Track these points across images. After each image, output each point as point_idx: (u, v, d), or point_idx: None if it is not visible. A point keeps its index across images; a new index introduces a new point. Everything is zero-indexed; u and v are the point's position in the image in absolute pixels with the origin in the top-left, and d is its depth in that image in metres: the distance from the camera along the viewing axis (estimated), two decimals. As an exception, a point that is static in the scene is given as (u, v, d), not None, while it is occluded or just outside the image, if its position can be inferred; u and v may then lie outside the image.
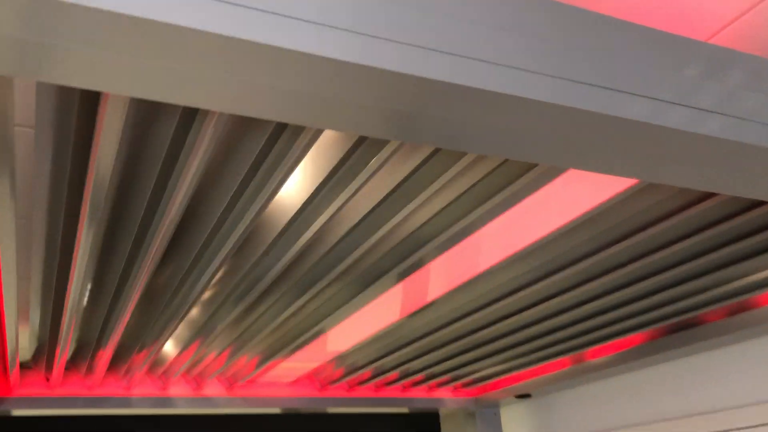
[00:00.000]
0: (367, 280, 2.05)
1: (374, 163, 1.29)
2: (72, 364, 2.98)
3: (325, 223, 1.55)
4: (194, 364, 2.97)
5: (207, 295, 2.30)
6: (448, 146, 1.10)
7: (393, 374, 3.35)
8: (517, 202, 1.54)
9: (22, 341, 2.76)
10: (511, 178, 1.41)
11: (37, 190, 1.58)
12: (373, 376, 3.33)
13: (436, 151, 1.34)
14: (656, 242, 1.86)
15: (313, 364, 3.17)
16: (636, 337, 2.83)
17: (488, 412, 3.89)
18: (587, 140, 1.14)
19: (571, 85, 1.06)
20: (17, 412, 3.02)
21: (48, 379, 2.97)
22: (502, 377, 3.50)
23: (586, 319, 2.48)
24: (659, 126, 1.14)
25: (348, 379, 3.31)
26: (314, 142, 1.21)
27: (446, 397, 3.77)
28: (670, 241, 1.84)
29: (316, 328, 2.45)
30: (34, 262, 2.01)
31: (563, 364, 3.20)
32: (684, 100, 1.19)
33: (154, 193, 1.51)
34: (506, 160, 1.39)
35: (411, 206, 1.48)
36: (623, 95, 1.11)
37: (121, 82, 0.88)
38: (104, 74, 0.87)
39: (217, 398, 3.24)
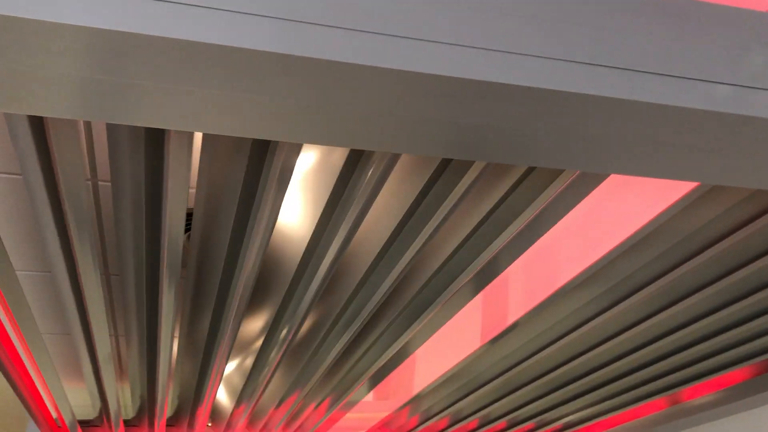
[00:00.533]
0: (413, 313, 1.88)
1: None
2: (174, 420, 2.98)
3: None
4: (254, 415, 2.87)
5: (258, 343, 2.22)
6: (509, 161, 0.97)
7: (473, 421, 3.11)
8: (560, 216, 1.35)
9: (124, 398, 2.77)
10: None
11: (123, 244, 1.57)
12: (451, 424, 3.10)
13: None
14: (735, 257, 1.59)
15: (383, 413, 2.98)
16: (742, 371, 2.49)
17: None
18: (648, 139, 0.97)
19: (631, 75, 0.90)
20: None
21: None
22: (593, 423, 3.19)
23: (677, 351, 2.19)
24: (738, 115, 0.95)
25: (424, 427, 3.09)
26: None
27: (535, 446, 3.48)
28: (755, 255, 1.57)
29: (375, 366, 2.30)
30: (129, 318, 1.98)
31: (658, 405, 2.87)
32: (765, 83, 0.98)
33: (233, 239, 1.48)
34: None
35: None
36: (691, 83, 0.94)
37: (199, 118, 0.84)
38: (184, 111, 0.82)
39: (285, 452, 3.11)
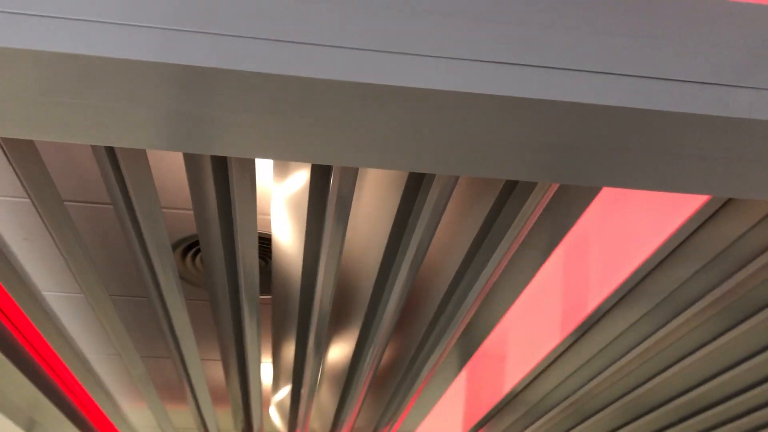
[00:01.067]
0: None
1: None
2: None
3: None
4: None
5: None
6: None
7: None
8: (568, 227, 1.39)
9: (226, 423, 2.97)
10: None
11: (211, 271, 1.67)
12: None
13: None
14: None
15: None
16: None
17: None
18: (653, 149, 0.95)
19: (640, 82, 0.88)
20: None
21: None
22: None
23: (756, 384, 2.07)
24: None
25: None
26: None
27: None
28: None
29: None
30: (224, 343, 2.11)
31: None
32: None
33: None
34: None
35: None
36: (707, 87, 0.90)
37: (301, 149, 0.91)
38: (275, 142, 0.88)
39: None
